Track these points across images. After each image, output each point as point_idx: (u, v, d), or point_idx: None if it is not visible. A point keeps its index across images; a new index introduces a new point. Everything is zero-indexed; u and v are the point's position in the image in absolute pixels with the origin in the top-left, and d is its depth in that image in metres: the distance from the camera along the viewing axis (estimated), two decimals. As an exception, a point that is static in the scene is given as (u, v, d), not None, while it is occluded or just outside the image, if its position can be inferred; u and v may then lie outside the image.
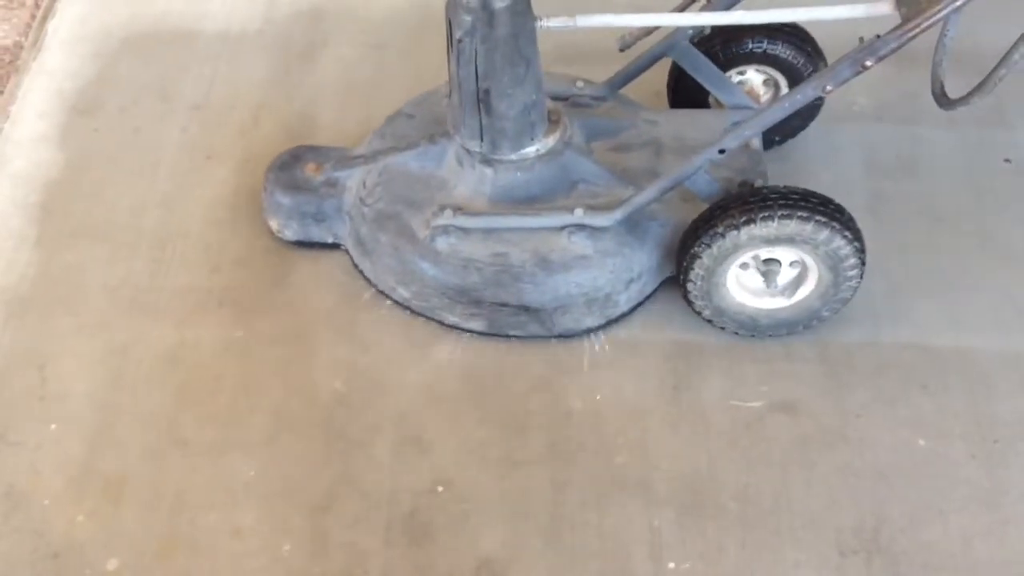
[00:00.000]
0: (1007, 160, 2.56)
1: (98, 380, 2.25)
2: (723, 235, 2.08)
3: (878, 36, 1.87)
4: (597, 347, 2.27)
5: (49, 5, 3.02)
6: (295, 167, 2.39)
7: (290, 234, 2.41)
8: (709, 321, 2.25)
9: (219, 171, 2.62)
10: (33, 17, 2.99)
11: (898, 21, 1.87)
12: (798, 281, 2.19)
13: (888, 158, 2.57)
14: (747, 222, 2.05)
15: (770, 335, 2.26)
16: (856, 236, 2.09)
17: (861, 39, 1.90)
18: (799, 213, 2.03)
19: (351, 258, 2.39)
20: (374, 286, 2.35)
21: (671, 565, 1.98)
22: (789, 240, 2.07)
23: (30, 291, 2.40)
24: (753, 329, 2.25)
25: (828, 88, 1.95)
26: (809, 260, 2.13)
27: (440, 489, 2.08)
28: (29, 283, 2.41)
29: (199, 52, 2.89)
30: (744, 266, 2.18)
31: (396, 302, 2.32)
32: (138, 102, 2.77)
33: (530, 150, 2.21)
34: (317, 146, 2.45)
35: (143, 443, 2.15)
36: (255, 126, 2.71)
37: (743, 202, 2.08)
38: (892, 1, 1.94)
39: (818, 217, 2.04)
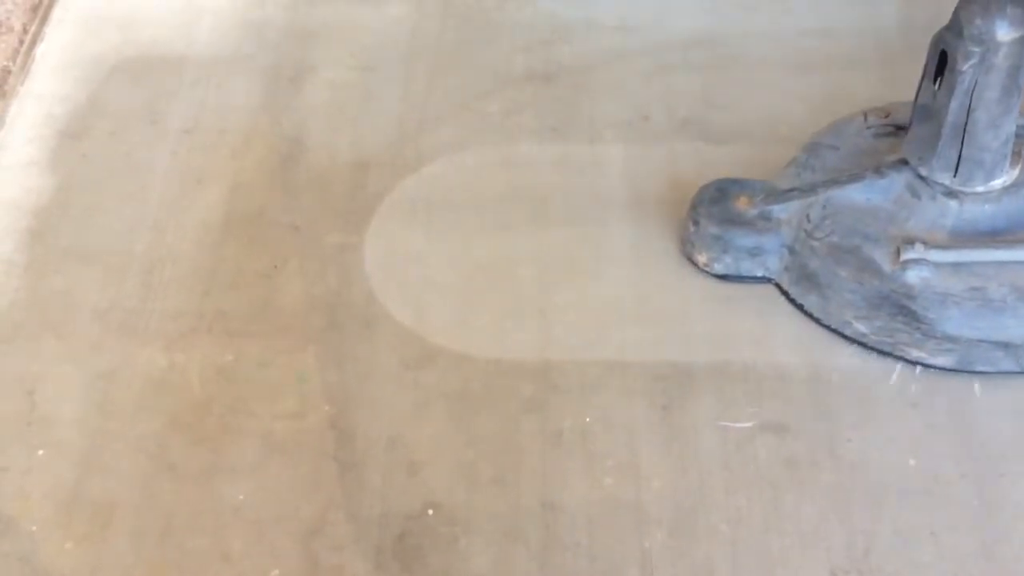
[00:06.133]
0: None
1: (87, 405, 2.24)
2: None
3: None
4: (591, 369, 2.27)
5: (37, 30, 3.02)
6: (725, 201, 2.36)
7: (720, 268, 2.36)
8: None
9: (210, 195, 2.62)
10: (21, 42, 2.99)
11: None
12: None
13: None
14: None
15: None
16: None
17: None
18: None
19: (785, 293, 2.35)
20: (817, 320, 2.30)
21: (662, 587, 1.98)
22: None
23: (19, 316, 2.39)
24: None
25: None
26: None
27: (431, 512, 2.08)
28: (18, 308, 2.40)
29: (189, 76, 2.89)
30: None
31: (848, 337, 2.27)
32: (128, 126, 2.78)
33: (997, 182, 2.20)
34: (739, 179, 2.41)
35: (132, 468, 2.14)
36: (246, 150, 2.72)
37: None
38: None
39: None
